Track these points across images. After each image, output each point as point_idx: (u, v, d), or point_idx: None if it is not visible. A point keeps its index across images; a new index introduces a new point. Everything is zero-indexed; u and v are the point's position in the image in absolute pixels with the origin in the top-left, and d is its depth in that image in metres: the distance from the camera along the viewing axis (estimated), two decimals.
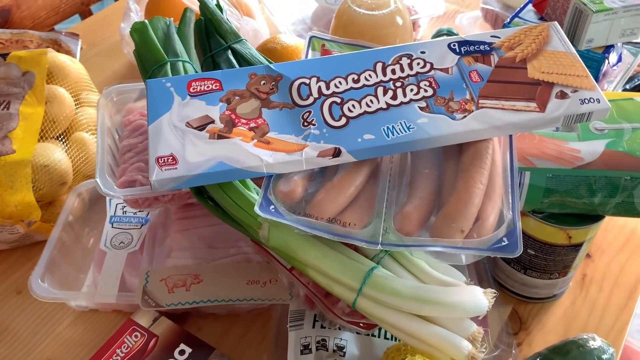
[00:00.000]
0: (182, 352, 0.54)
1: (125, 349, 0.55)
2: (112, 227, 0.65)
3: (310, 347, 0.54)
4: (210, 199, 0.52)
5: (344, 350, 0.54)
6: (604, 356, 0.53)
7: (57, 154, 0.67)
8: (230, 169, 0.45)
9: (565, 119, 0.48)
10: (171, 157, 0.45)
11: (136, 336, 0.56)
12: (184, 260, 0.58)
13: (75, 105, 0.74)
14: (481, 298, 0.45)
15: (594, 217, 0.55)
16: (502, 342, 0.59)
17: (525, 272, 0.61)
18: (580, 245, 0.57)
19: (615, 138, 0.52)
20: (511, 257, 0.42)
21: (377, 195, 0.47)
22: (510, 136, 0.50)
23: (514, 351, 0.57)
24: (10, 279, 0.68)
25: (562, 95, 0.48)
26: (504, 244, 0.43)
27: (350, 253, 0.48)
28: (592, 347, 0.53)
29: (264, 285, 0.56)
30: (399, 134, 0.47)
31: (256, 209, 0.44)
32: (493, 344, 0.59)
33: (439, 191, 0.48)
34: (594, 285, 0.66)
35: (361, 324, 0.50)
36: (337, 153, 0.46)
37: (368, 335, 0.56)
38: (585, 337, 0.54)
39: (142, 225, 0.65)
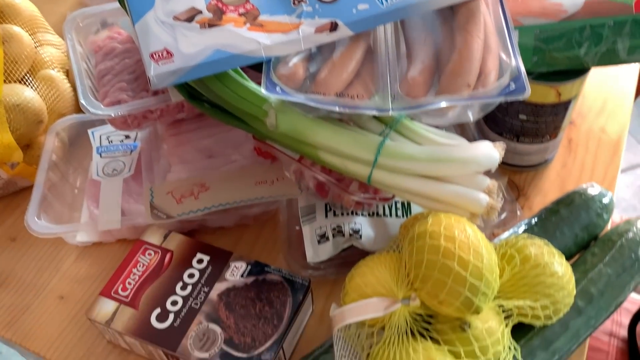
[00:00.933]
0: (200, 261, 0.54)
1: (142, 267, 0.54)
2: (101, 157, 0.62)
3: (326, 235, 0.55)
4: (207, 101, 0.51)
5: (360, 233, 0.55)
6: (604, 200, 0.56)
7: (27, 93, 0.64)
8: (229, 56, 0.44)
9: None
10: (165, 51, 0.44)
11: (149, 254, 0.55)
12: (186, 173, 0.57)
13: (35, 45, 0.70)
14: (492, 150, 0.46)
15: (579, 72, 0.56)
16: (506, 209, 0.61)
17: (518, 139, 0.62)
18: (568, 102, 0.59)
19: None
20: (522, 98, 0.43)
21: (379, 67, 0.47)
22: None
23: (519, 213, 0.60)
24: (2, 228, 0.65)
25: None
26: (512, 88, 0.44)
27: (359, 131, 0.48)
28: (593, 193, 0.56)
29: (272, 183, 0.55)
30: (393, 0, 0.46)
31: (263, 90, 0.43)
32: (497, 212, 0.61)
33: (438, 55, 0.48)
34: (580, 147, 0.69)
35: (377, 198, 0.50)
36: (334, 27, 0.45)
37: (380, 216, 0.56)
38: (584, 186, 0.57)
39: (131, 152, 0.63)
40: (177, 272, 0.53)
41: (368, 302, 0.44)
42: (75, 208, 0.64)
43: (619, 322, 0.90)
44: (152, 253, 0.55)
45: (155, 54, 0.43)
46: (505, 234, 0.55)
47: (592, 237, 0.55)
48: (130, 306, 0.52)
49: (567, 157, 0.68)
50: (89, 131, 0.65)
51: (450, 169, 0.46)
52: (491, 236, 0.59)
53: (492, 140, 0.64)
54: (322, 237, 0.55)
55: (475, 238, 0.42)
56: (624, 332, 0.88)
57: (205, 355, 0.48)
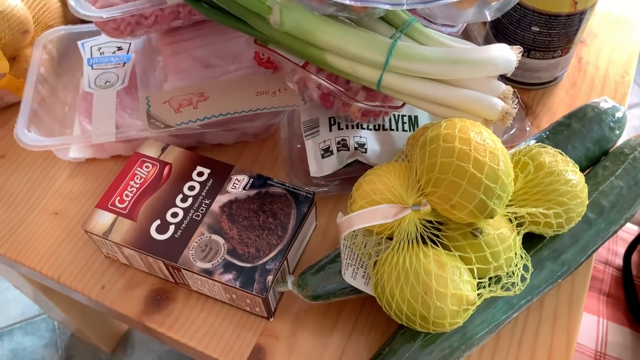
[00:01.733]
0: (200, 174, 0.52)
1: (139, 180, 0.52)
2: (92, 68, 0.59)
3: (331, 149, 0.53)
4: (205, 1, 0.48)
5: (365, 147, 0.53)
6: (617, 114, 0.54)
7: (9, 0, 0.60)
8: None
9: None
10: None
11: (147, 167, 0.53)
12: (183, 82, 0.54)
13: None
14: (509, 52, 0.44)
15: None
16: (514, 127, 0.59)
17: (529, 54, 0.60)
18: (583, 13, 0.56)
19: None
20: None
21: None
22: None
23: (528, 128, 0.58)
24: None
25: None
26: None
27: (369, 32, 0.45)
28: (606, 107, 0.54)
29: (274, 94, 0.53)
30: None
31: None
32: (505, 129, 0.59)
33: None
34: (590, 65, 0.66)
35: (386, 107, 0.48)
36: None
37: (386, 130, 0.54)
38: (597, 100, 0.55)
39: (124, 64, 0.60)
40: (177, 184, 0.51)
41: (377, 208, 0.42)
42: (66, 125, 0.61)
43: (614, 251, 0.90)
44: (150, 165, 0.53)
45: None
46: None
47: (603, 152, 0.53)
48: (129, 218, 0.50)
49: (577, 76, 0.65)
50: (79, 43, 0.62)
51: (466, 70, 0.43)
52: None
53: None
54: (326, 151, 0.53)
55: (492, 140, 0.40)
56: (619, 261, 0.88)
57: (209, 265, 0.47)
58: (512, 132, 0.58)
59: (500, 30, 0.61)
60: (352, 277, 0.45)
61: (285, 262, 0.48)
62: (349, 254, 0.45)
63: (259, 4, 0.44)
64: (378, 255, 0.44)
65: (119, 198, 0.51)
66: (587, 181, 0.51)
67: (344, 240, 0.44)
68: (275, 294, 0.49)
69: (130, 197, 0.51)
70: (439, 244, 0.42)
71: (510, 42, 0.60)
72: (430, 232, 0.43)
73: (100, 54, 0.60)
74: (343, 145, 0.53)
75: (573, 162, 0.46)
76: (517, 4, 0.57)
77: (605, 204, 0.49)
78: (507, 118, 0.44)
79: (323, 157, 0.53)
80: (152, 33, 0.56)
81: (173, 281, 0.51)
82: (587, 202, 0.46)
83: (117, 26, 0.53)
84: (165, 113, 0.51)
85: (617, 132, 0.54)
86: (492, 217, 0.40)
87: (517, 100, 0.45)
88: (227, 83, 0.53)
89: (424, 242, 0.42)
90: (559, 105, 0.63)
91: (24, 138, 0.55)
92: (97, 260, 0.54)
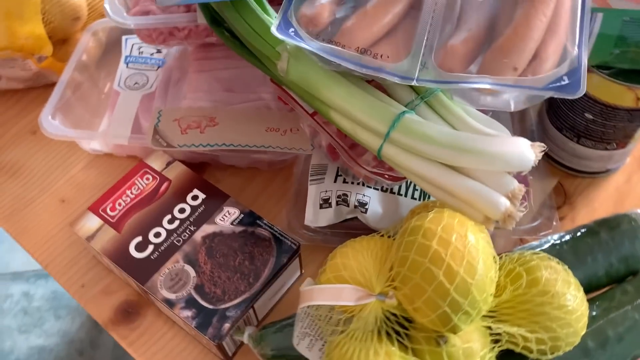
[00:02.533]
0: (195, 198, 0.51)
1: (136, 191, 0.52)
2: (127, 67, 0.60)
3: (330, 201, 0.50)
4: (228, 30, 0.46)
5: (366, 207, 0.50)
6: None
7: None
8: None
9: None
10: None
11: (147, 179, 0.52)
12: (200, 102, 0.53)
13: None
14: (527, 150, 0.39)
15: None
16: (542, 215, 0.53)
17: (578, 140, 0.54)
18: None
19: None
20: (571, 97, 0.35)
21: (419, 27, 0.40)
22: None
23: (554, 223, 0.52)
24: (26, 119, 0.65)
25: None
26: (563, 82, 0.36)
27: (380, 96, 0.42)
28: None
29: (284, 133, 0.51)
30: None
31: (273, 29, 0.38)
32: (532, 216, 0.54)
33: (492, 25, 0.40)
34: None
35: (386, 176, 0.45)
36: None
37: (394, 193, 0.51)
38: (638, 211, 0.48)
39: (158, 67, 0.60)
40: (169, 203, 0.51)
41: (341, 287, 0.39)
42: (97, 114, 0.62)
43: None
44: (151, 178, 0.52)
45: None
46: (535, 243, 0.48)
47: (630, 272, 0.47)
48: (114, 228, 0.50)
49: (635, 173, 0.58)
50: (123, 37, 0.63)
51: (472, 161, 0.39)
52: (519, 242, 0.53)
53: (550, 135, 0.56)
54: (325, 202, 0.50)
55: (475, 249, 0.36)
56: None
57: (172, 296, 0.46)
58: (537, 222, 0.52)
59: (553, 108, 0.55)
60: (308, 348, 0.43)
61: (251, 311, 0.47)
62: (308, 323, 0.43)
63: (269, 48, 0.42)
64: (341, 333, 0.41)
65: (111, 205, 0.51)
66: (599, 303, 0.45)
67: (304, 309, 0.42)
68: (235, 339, 0.47)
69: (121, 207, 0.51)
70: (398, 341, 0.39)
71: (560, 124, 0.54)
72: (392, 327, 0.39)
73: (140, 53, 0.61)
74: (343, 200, 0.50)
75: (577, 283, 0.40)
76: None
77: (610, 335, 0.43)
78: (509, 221, 0.39)
79: (321, 207, 0.51)
80: (185, 45, 0.56)
81: (146, 298, 0.51)
82: (589, 330, 0.41)
83: (149, 34, 0.53)
84: (172, 131, 0.51)
85: None
86: (454, 333, 0.36)
87: (525, 203, 0.40)
88: (240, 112, 0.51)
89: (382, 336, 0.39)
90: (603, 201, 0.56)
91: (46, 125, 0.56)
92: (85, 257, 0.55)
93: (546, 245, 0.47)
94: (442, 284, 0.35)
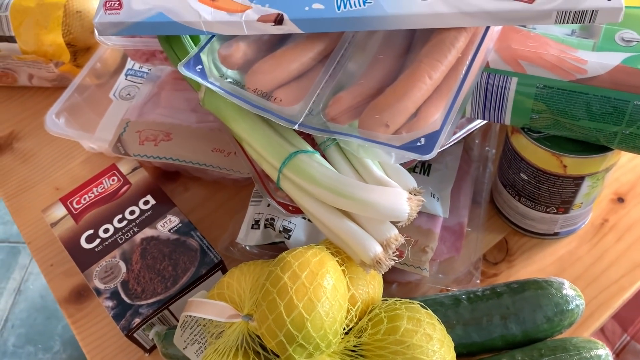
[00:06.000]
0: (146, 202, 0.57)
1: (101, 189, 0.58)
2: (126, 79, 0.67)
3: (260, 223, 0.54)
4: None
5: (290, 234, 0.53)
6: (566, 306, 0.46)
7: (92, 3, 0.70)
8: (168, 22, 0.43)
9: (558, 15, 0.38)
10: (118, 2, 0.45)
11: (113, 180, 0.59)
12: (165, 118, 0.59)
13: None
14: (402, 203, 0.41)
15: (600, 148, 0.46)
16: (473, 267, 0.54)
17: (519, 199, 0.53)
18: (580, 178, 0.48)
19: None
20: (421, 159, 0.37)
21: (319, 75, 0.43)
22: (487, 29, 0.42)
23: (475, 278, 0.52)
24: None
25: None
26: (419, 144, 0.37)
27: (287, 133, 0.45)
28: (555, 292, 0.46)
29: (228, 155, 0.55)
30: (351, 7, 0.41)
31: (179, 65, 0.42)
32: (462, 268, 0.54)
33: (389, 82, 0.42)
34: (612, 233, 0.56)
35: (290, 207, 0.48)
36: (279, 19, 0.42)
37: None
38: (553, 280, 0.47)
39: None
40: (124, 204, 0.57)
41: (217, 304, 0.43)
42: (102, 117, 0.71)
43: None
44: (116, 180, 0.59)
45: (108, 2, 0.45)
46: (448, 294, 0.49)
47: (529, 340, 0.46)
48: (74, 219, 0.57)
49: (589, 240, 0.56)
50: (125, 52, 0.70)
51: (348, 205, 0.41)
52: (444, 290, 0.53)
53: (499, 190, 0.56)
54: (256, 223, 0.54)
55: (322, 288, 0.38)
56: None
57: (102, 286, 0.52)
58: (457, 275, 0.53)
59: (502, 164, 0.55)
60: (197, 354, 0.47)
61: (167, 312, 0.51)
62: (195, 329, 0.47)
63: (192, 80, 0.46)
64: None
65: (77, 199, 0.58)
66: None
67: (188, 316, 0.46)
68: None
69: (85, 202, 0.58)
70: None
71: (505, 180, 0.54)
72: (254, 347, 0.42)
73: (139, 67, 0.68)
74: (270, 224, 0.53)
75: (443, 339, 0.41)
76: (509, 143, 0.51)
77: None
78: (379, 267, 0.41)
79: (252, 227, 0.54)
80: (167, 65, 0.62)
81: None
82: None
83: (135, 53, 0.60)
84: (132, 141, 0.57)
85: (558, 324, 0.46)
86: None
87: (397, 253, 0.41)
88: (193, 131, 0.56)
89: (246, 353, 0.42)
90: (544, 265, 0.55)
91: (49, 123, 0.65)
92: (59, 241, 0.62)
93: (447, 299, 0.48)
94: (281, 315, 0.38)
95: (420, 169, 0.56)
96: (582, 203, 0.52)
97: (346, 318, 0.41)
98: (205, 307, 0.43)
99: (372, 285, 0.45)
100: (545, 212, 0.53)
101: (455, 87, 0.39)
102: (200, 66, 0.43)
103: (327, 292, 0.38)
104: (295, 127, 0.41)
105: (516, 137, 0.49)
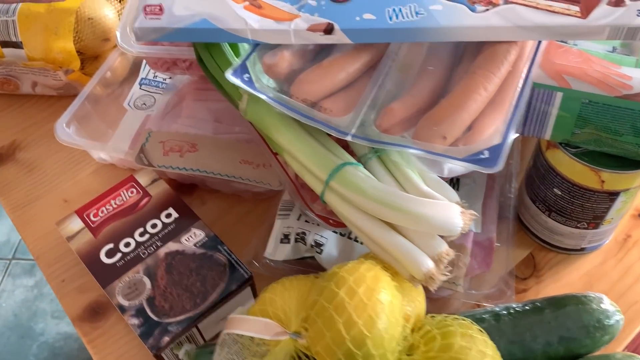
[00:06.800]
0: (168, 216, 0.55)
1: (119, 202, 0.56)
2: (140, 88, 0.65)
3: (290, 237, 0.53)
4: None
5: (322, 248, 0.52)
6: (607, 321, 0.46)
7: (104, 10, 0.68)
8: (212, 29, 0.42)
9: (611, 31, 0.39)
10: (159, 7, 0.43)
11: (132, 192, 0.57)
12: (188, 129, 0.57)
13: None
14: (455, 217, 0.40)
15: (636, 163, 0.46)
16: (504, 283, 0.53)
17: (549, 214, 0.54)
18: (616, 194, 0.48)
19: None
20: (486, 172, 0.36)
21: (368, 86, 0.43)
22: (539, 42, 0.42)
23: (508, 294, 0.52)
24: (52, 123, 0.72)
25: (617, 2, 0.39)
26: (483, 156, 0.37)
27: (330, 145, 0.44)
28: (595, 307, 0.46)
29: (257, 167, 0.54)
30: (404, 18, 0.41)
31: (227, 73, 0.41)
32: (494, 283, 0.53)
33: (440, 93, 0.42)
34: (636, 249, 0.57)
35: (331, 221, 0.47)
36: (329, 29, 0.41)
37: (351, 239, 0.52)
38: (592, 296, 0.47)
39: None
40: (145, 217, 0.55)
41: (262, 321, 0.42)
42: (113, 127, 0.68)
43: None
44: (135, 192, 0.57)
45: (149, 7, 0.43)
46: (481, 310, 0.48)
47: (571, 355, 0.46)
48: (92, 232, 0.54)
49: (614, 255, 0.57)
50: (144, 61, 0.68)
51: (399, 218, 0.40)
52: (475, 306, 0.53)
53: (526, 205, 0.56)
54: (285, 238, 0.53)
55: (380, 304, 0.37)
56: None
57: (126, 303, 0.50)
58: (491, 290, 0.52)
59: (530, 179, 0.55)
60: None
61: (195, 330, 0.49)
62: (236, 350, 0.45)
63: (233, 88, 0.45)
64: None
65: (95, 211, 0.56)
66: None
67: (229, 334, 0.44)
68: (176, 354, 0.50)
69: (103, 214, 0.55)
70: None
71: (534, 196, 0.54)
72: None
73: (154, 77, 0.66)
74: (301, 238, 0.52)
75: (494, 357, 0.40)
76: (544, 158, 0.51)
77: None
78: (431, 283, 0.40)
79: (281, 242, 0.53)
80: (188, 75, 0.61)
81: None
82: None
83: (156, 62, 0.58)
84: (156, 152, 0.55)
85: (599, 339, 0.46)
86: None
87: (450, 268, 0.41)
88: (220, 142, 0.55)
89: None
90: (572, 280, 0.55)
91: (59, 132, 0.62)
92: (70, 256, 0.59)
93: (487, 315, 0.47)
94: (340, 332, 0.36)
95: (449, 184, 0.55)
96: (612, 219, 0.52)
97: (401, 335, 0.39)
98: (249, 324, 0.42)
99: (418, 301, 0.44)
100: (575, 228, 0.53)
101: (514, 100, 0.39)
102: (247, 74, 0.42)
103: (385, 309, 0.37)
104: (349, 137, 0.40)
105: (552, 152, 0.49)
